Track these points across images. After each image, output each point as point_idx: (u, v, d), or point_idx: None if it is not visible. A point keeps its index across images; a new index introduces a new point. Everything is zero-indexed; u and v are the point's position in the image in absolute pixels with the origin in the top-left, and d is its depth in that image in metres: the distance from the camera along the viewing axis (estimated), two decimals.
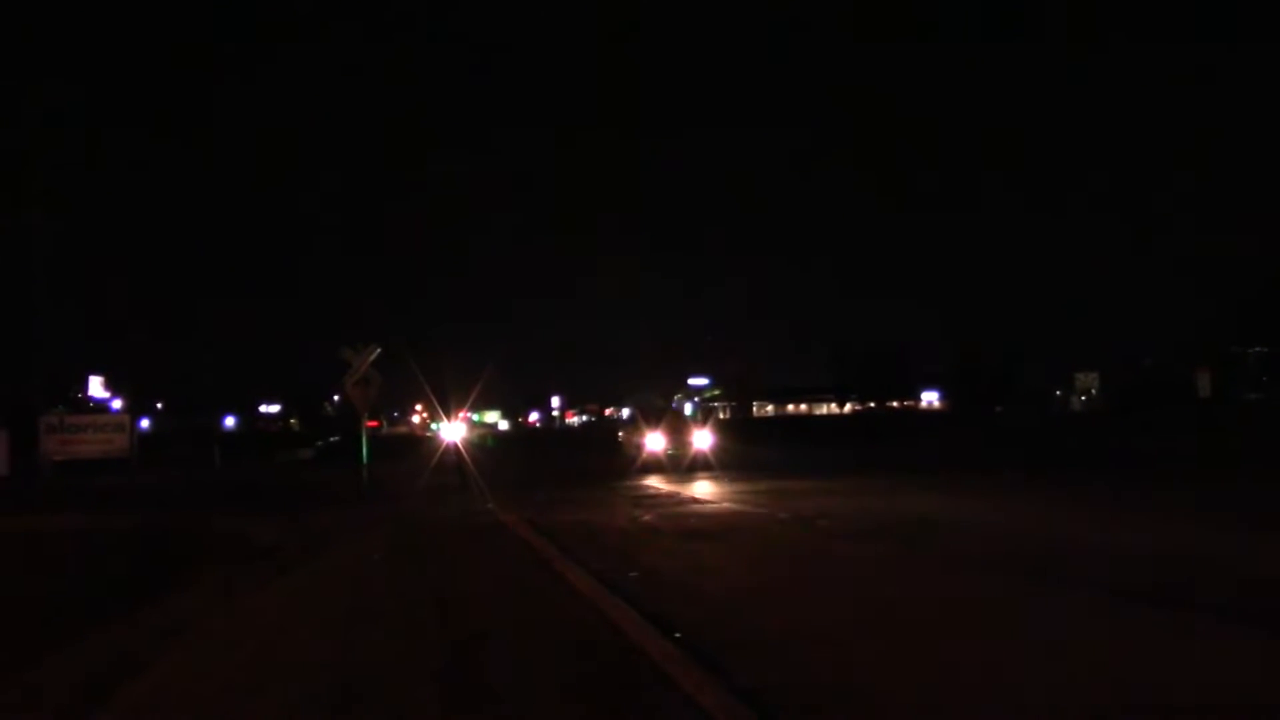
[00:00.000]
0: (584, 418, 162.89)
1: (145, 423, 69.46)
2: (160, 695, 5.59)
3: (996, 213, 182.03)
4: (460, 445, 41.22)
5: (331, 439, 62.48)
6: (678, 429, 27.41)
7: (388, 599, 8.36)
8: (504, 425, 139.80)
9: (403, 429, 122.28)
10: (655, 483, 21.71)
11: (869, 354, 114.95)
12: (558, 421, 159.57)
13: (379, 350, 21.04)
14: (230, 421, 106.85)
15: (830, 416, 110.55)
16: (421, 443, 70.95)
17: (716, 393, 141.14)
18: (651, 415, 28.56)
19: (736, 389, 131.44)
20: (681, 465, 25.58)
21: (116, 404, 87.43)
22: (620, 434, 33.14)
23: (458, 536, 12.85)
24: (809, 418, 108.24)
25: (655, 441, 26.71)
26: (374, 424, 39.55)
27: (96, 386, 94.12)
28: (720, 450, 27.24)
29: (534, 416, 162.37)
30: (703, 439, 26.85)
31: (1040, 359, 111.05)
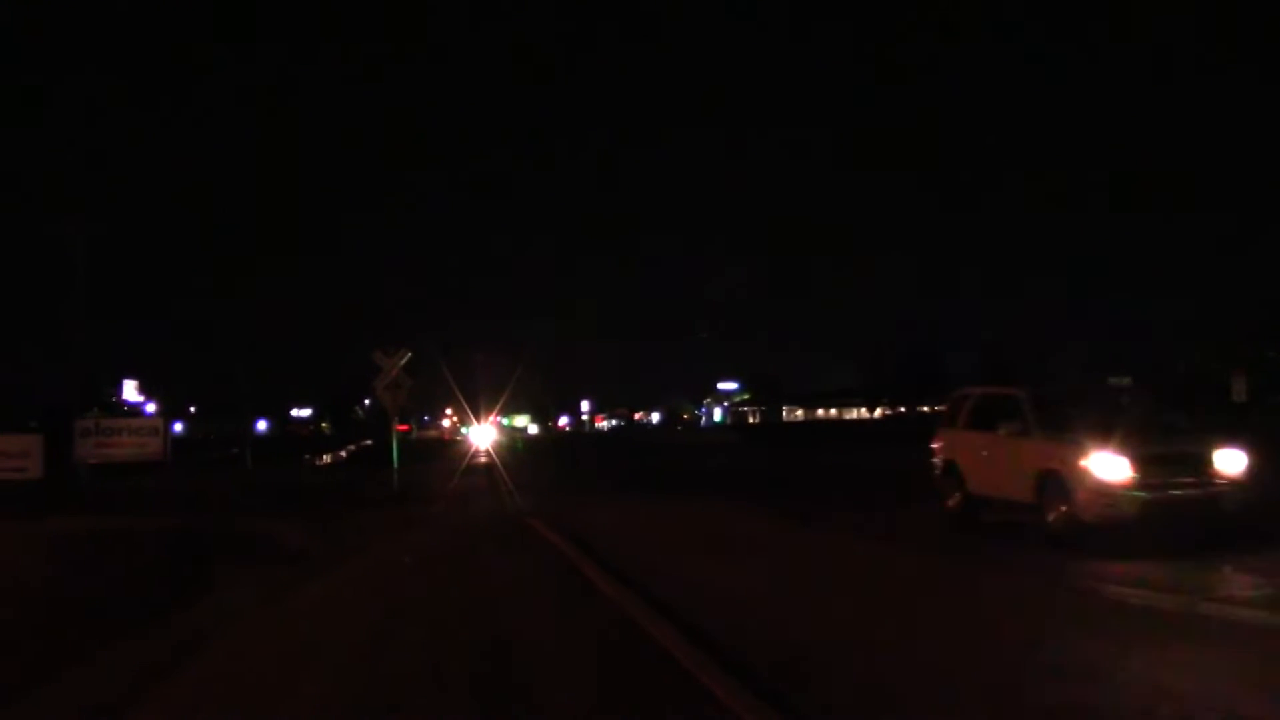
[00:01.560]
0: (614, 421, 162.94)
1: (178, 426, 70.27)
2: (192, 697, 5.55)
3: (1025, 212, 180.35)
4: (492, 451, 41.01)
5: (363, 442, 62.96)
6: (1156, 438, 10.76)
7: (418, 603, 8.28)
8: (533, 429, 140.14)
9: (433, 433, 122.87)
10: None
11: (902, 356, 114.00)
12: (587, 425, 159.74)
13: (409, 354, 21.11)
14: (262, 425, 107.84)
15: (870, 420, 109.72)
16: (451, 446, 71.26)
17: (746, 397, 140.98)
18: (1090, 401, 12.52)
19: (767, 393, 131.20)
20: (1183, 521, 10.09)
21: (150, 407, 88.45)
22: (938, 448, 13.83)
23: (487, 541, 12.78)
24: (858, 422, 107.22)
25: (1113, 466, 9.97)
26: (404, 428, 39.74)
27: (131, 390, 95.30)
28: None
29: (563, 420, 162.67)
30: (1233, 461, 10.28)
31: (1070, 362, 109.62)
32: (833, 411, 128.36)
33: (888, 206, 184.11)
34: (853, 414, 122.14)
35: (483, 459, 37.98)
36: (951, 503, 12.91)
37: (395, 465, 22.61)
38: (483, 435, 48.47)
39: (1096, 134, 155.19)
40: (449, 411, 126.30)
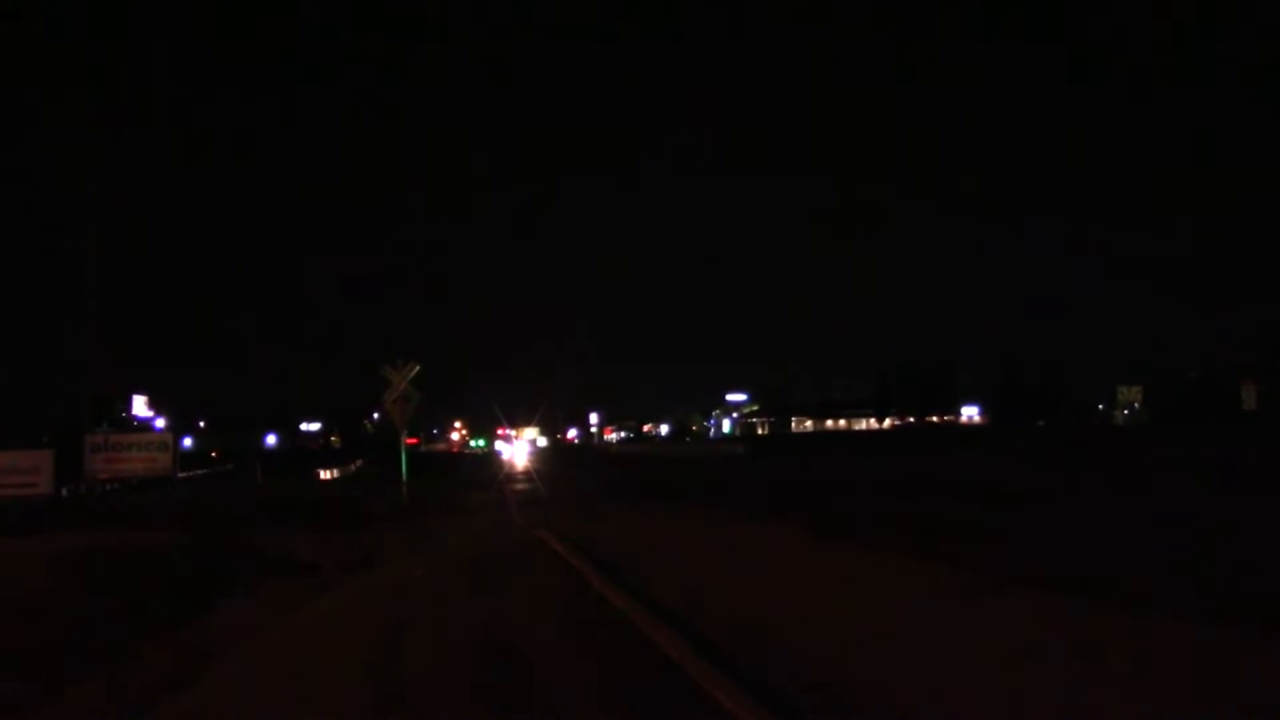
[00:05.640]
0: (623, 434, 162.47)
1: (188, 441, 70.39)
2: (203, 710, 5.52)
3: (1036, 223, 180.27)
4: (531, 470, 39.07)
5: (372, 455, 62.91)
6: None
7: (428, 618, 8.21)
8: (542, 441, 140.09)
9: (440, 446, 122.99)
10: None
11: (911, 367, 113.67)
12: (596, 438, 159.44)
13: (418, 367, 21.11)
14: (272, 439, 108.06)
15: (880, 430, 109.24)
16: (460, 460, 71.10)
17: (755, 408, 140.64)
18: None
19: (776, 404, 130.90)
20: None
21: (160, 423, 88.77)
22: None
23: (498, 557, 12.69)
24: (868, 433, 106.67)
25: None
26: (413, 441, 39.47)
27: (140, 405, 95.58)
28: None
29: (572, 433, 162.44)
30: None
31: (1081, 371, 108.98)
32: (842, 422, 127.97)
33: (900, 218, 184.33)
34: (862, 424, 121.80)
35: (519, 471, 36.66)
36: None
37: (405, 478, 22.56)
38: (519, 450, 45.34)
39: (1094, 137, 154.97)
40: (457, 424, 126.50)
